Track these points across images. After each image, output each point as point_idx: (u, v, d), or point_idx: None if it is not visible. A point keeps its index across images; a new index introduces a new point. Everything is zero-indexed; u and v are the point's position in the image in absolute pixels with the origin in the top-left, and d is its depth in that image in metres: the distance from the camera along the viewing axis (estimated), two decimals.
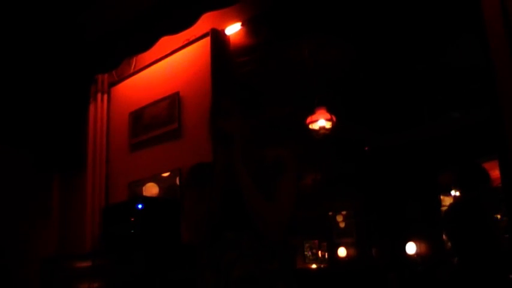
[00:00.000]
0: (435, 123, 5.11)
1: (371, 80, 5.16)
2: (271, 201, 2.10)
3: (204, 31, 4.68)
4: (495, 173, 3.71)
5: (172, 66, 5.00)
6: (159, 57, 5.09)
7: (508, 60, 2.67)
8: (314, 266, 5.76)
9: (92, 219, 5.02)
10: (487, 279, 3.76)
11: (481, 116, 3.86)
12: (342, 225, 5.91)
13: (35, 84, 5.17)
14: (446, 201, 5.18)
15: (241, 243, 2.10)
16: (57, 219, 5.46)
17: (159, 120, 4.92)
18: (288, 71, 5.00)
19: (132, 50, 4.84)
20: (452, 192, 5.13)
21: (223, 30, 4.73)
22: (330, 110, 5.38)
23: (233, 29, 4.73)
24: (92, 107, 5.38)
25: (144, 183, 4.90)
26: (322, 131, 5.37)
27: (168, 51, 5.00)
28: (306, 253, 5.89)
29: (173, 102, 4.83)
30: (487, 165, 4.17)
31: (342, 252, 5.80)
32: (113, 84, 5.57)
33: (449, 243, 4.64)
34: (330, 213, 5.93)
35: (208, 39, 4.69)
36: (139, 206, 3.95)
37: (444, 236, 4.86)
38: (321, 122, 5.38)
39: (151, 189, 4.84)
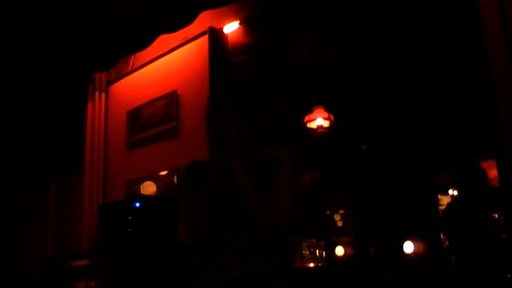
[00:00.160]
0: (433, 122, 5.10)
1: (369, 79, 5.16)
2: (267, 200, 2.10)
3: (202, 30, 4.68)
4: (493, 172, 3.71)
5: (170, 64, 5.00)
6: (157, 55, 5.09)
7: (506, 59, 2.67)
8: (312, 265, 5.75)
9: (90, 218, 5.01)
10: (484, 278, 3.76)
11: (479, 116, 3.86)
12: (340, 224, 5.90)
13: (33, 83, 5.16)
14: (444, 200, 5.17)
15: (239, 243, 2.09)
16: (54, 218, 5.46)
17: (156, 118, 4.92)
18: (285, 70, 4.99)
19: (130, 48, 4.84)
20: (450, 192, 5.12)
21: (221, 29, 4.73)
22: (328, 109, 5.37)
23: (231, 28, 4.73)
24: (89, 106, 5.37)
25: (141, 182, 4.90)
26: (320, 130, 5.36)
27: (166, 50, 5.00)
28: (303, 252, 5.88)
29: (171, 101, 4.83)
30: (485, 165, 4.16)
31: (339, 251, 5.79)
32: (111, 82, 5.57)
33: (447, 243, 4.64)
34: (328, 212, 5.92)
35: (206, 37, 4.69)
36: (137, 205, 3.95)
37: (442, 235, 4.86)
38: (318, 120, 5.36)
39: (149, 188, 4.84)
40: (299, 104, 5.29)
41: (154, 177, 4.82)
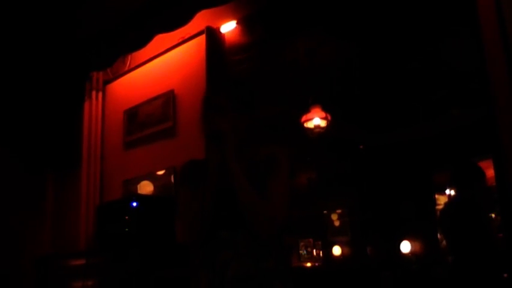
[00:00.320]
0: (430, 122, 5.10)
1: (366, 79, 5.16)
2: (264, 198, 2.09)
3: (199, 29, 4.68)
4: (490, 172, 3.72)
5: (167, 64, 5.00)
6: (154, 55, 5.09)
7: (503, 59, 2.67)
8: (309, 264, 5.76)
9: (86, 218, 5.01)
10: (481, 278, 3.77)
11: (476, 115, 3.86)
12: (337, 224, 5.90)
13: (30, 82, 5.16)
14: (441, 200, 5.18)
15: (237, 242, 2.09)
16: (51, 217, 5.45)
17: (153, 118, 4.92)
18: (282, 69, 4.99)
19: (127, 48, 4.84)
20: (447, 192, 5.13)
21: (218, 29, 4.73)
22: (325, 109, 5.37)
23: (228, 27, 4.73)
24: (86, 105, 5.37)
25: (138, 182, 4.90)
26: (317, 130, 5.36)
27: (163, 49, 5.00)
28: (300, 252, 5.89)
29: (168, 100, 4.83)
30: (482, 165, 4.17)
31: (336, 250, 5.80)
32: (108, 82, 5.56)
33: (444, 242, 4.65)
34: (325, 212, 5.93)
35: (203, 37, 4.68)
36: (134, 204, 3.94)
37: (439, 235, 4.86)
38: (316, 120, 5.37)
39: (146, 188, 4.84)
40: (296, 104, 5.29)
41: (151, 177, 4.82)
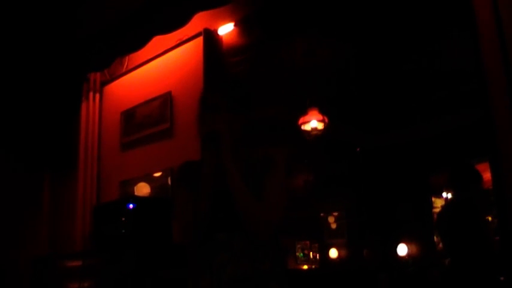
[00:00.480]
0: (427, 124, 5.12)
1: (363, 81, 5.17)
2: (260, 198, 2.09)
3: (197, 31, 4.68)
4: (487, 174, 3.72)
5: (164, 65, 5.00)
6: (151, 56, 5.09)
7: (500, 62, 2.68)
8: (305, 266, 5.76)
9: (83, 219, 5.00)
10: (478, 280, 3.77)
11: (473, 118, 3.87)
12: (334, 226, 5.91)
13: (27, 82, 5.15)
14: (438, 203, 5.19)
15: (233, 245, 2.09)
16: (48, 218, 5.44)
17: (151, 119, 4.91)
18: (280, 71, 5.00)
19: (125, 49, 4.83)
20: (444, 194, 5.14)
21: (216, 30, 4.73)
22: (322, 111, 5.38)
23: (226, 29, 4.73)
24: (83, 106, 5.36)
25: (135, 183, 4.89)
26: (314, 132, 5.37)
27: (161, 51, 5.00)
28: (297, 254, 5.89)
29: (165, 102, 4.82)
30: (479, 167, 4.18)
31: (333, 253, 5.80)
32: (105, 83, 5.56)
33: (440, 245, 4.65)
34: (322, 215, 5.93)
35: (200, 39, 4.68)
36: (131, 206, 3.93)
37: (436, 237, 4.87)
38: (313, 123, 5.38)
39: (142, 189, 4.83)
40: (293, 105, 5.30)
41: (148, 178, 4.82)
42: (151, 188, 4.77)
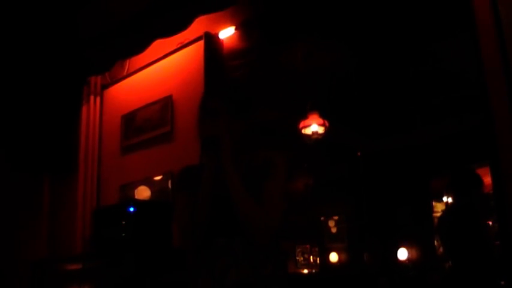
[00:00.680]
0: (427, 128, 5.11)
1: (364, 84, 5.16)
2: (259, 202, 2.08)
3: (198, 35, 4.69)
4: (488, 179, 3.72)
5: (165, 69, 5.00)
6: (152, 60, 5.09)
7: (500, 66, 2.68)
8: (306, 271, 5.75)
9: (83, 222, 5.00)
10: (478, 285, 3.76)
11: (474, 122, 3.86)
12: (334, 230, 5.90)
13: (28, 85, 5.15)
14: (439, 207, 5.17)
15: (234, 249, 2.08)
16: (48, 221, 5.43)
17: (151, 123, 4.91)
18: (280, 75, 5.00)
19: (126, 52, 4.84)
20: (444, 198, 5.12)
21: (216, 34, 4.73)
22: (323, 115, 5.37)
23: (227, 33, 4.73)
24: (84, 109, 5.37)
25: (136, 186, 4.89)
26: (314, 136, 5.37)
27: (162, 55, 5.00)
28: (297, 258, 5.88)
29: (166, 106, 4.83)
30: (480, 171, 4.17)
31: (333, 257, 5.79)
32: (106, 86, 5.56)
33: (441, 249, 4.64)
34: (322, 219, 5.92)
35: (201, 42, 4.69)
36: (131, 209, 3.93)
37: (436, 242, 4.86)
38: (313, 127, 5.37)
39: (143, 193, 4.83)
40: (294, 109, 5.30)
41: (148, 182, 4.81)
42: (152, 192, 4.77)
